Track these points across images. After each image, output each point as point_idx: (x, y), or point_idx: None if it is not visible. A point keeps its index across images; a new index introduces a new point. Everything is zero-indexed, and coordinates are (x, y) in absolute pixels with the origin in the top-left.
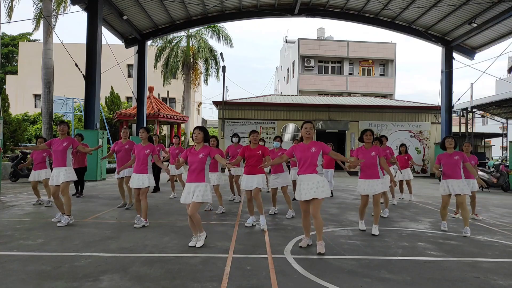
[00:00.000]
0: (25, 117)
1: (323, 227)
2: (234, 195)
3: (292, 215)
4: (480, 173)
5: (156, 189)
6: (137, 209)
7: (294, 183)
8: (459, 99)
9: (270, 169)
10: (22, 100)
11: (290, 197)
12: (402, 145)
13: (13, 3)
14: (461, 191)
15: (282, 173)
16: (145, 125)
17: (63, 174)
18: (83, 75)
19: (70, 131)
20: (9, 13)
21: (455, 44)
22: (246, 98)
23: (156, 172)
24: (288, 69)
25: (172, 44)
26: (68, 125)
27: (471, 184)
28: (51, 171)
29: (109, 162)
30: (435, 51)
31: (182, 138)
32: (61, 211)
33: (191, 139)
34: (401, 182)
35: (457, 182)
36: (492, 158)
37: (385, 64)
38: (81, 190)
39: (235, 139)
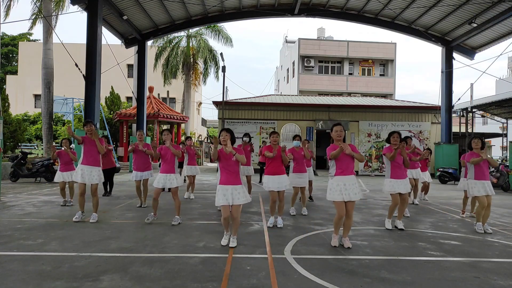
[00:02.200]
0: (25, 117)
1: (323, 227)
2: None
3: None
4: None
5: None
6: (154, 207)
7: (310, 182)
8: (459, 99)
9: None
10: (22, 100)
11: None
12: (428, 149)
13: (11, 3)
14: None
15: (304, 173)
16: (145, 125)
17: (97, 175)
18: (83, 75)
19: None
20: (7, 12)
21: (455, 44)
22: (246, 98)
23: None
24: (288, 69)
25: (172, 44)
26: (95, 124)
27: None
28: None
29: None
30: (435, 51)
31: (182, 138)
32: (82, 209)
33: (209, 140)
34: (423, 183)
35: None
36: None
37: (385, 64)
38: (110, 190)
39: (246, 139)
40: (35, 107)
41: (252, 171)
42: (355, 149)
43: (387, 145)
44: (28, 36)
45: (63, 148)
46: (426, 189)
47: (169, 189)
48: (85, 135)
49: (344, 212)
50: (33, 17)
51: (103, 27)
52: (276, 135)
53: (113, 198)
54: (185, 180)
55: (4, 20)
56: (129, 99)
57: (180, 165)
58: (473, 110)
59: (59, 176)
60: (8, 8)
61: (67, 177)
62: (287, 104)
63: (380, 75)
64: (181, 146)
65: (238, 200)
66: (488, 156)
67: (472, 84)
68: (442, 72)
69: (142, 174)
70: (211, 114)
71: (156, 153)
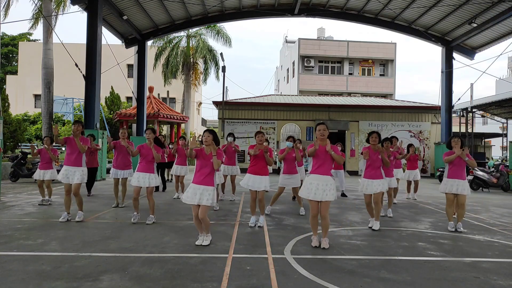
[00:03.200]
0: (25, 117)
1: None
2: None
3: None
4: (480, 173)
5: (164, 188)
6: (135, 207)
7: (302, 182)
8: (459, 99)
9: (282, 169)
10: (22, 100)
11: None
12: (411, 145)
13: (11, 2)
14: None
15: (295, 174)
16: (145, 125)
17: (79, 175)
18: (83, 75)
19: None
20: (6, 11)
21: (455, 44)
22: (246, 98)
23: (161, 172)
24: (288, 69)
25: (172, 44)
26: (83, 124)
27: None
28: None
29: (109, 162)
30: (435, 51)
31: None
32: (68, 210)
33: (191, 139)
34: (408, 182)
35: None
36: (492, 158)
37: (385, 64)
38: (89, 189)
39: (230, 138)
40: (35, 107)
41: (237, 171)
42: (337, 151)
43: (367, 144)
44: (28, 36)
45: (44, 146)
46: (415, 188)
47: (164, 188)
48: (70, 136)
49: (315, 211)
50: (33, 18)
51: (103, 27)
52: (261, 135)
53: (113, 198)
54: (171, 179)
55: (4, 20)
56: (129, 99)
57: (169, 165)
58: (473, 110)
59: (37, 174)
60: (7, 8)
61: (43, 176)
62: (287, 104)
63: (380, 75)
64: (170, 146)
65: (207, 201)
66: (467, 157)
67: (472, 84)
68: (442, 72)
69: (123, 172)
70: (211, 114)
71: (135, 151)
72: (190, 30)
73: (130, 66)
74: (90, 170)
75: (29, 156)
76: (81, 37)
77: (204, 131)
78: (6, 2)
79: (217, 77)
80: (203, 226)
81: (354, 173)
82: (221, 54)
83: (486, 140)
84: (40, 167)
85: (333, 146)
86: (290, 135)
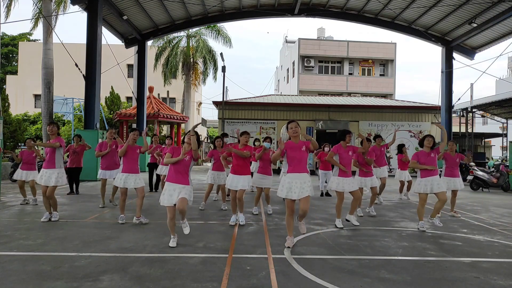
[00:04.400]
0: (25, 117)
1: (323, 227)
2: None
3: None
4: (480, 173)
5: (156, 188)
6: (121, 208)
7: None
8: (459, 99)
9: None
10: (22, 100)
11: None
12: (403, 145)
13: (12, 2)
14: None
15: (269, 175)
16: (145, 125)
17: (54, 177)
18: (83, 75)
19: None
20: (7, 12)
21: (455, 44)
22: (246, 98)
23: (151, 172)
24: (288, 69)
25: (172, 44)
26: (58, 125)
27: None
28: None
29: None
30: (435, 51)
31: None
32: (49, 210)
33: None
34: (401, 182)
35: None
36: (492, 158)
37: (385, 64)
38: (76, 188)
39: (226, 139)
40: (35, 107)
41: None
42: (308, 144)
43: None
44: (28, 36)
45: (26, 148)
46: (408, 187)
47: (156, 188)
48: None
49: (291, 210)
50: (34, 18)
51: (103, 27)
52: (248, 135)
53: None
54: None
55: (6, 20)
56: (129, 99)
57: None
58: (473, 110)
59: (18, 174)
60: (8, 9)
61: (25, 176)
62: (287, 104)
63: (380, 75)
64: (153, 144)
65: (185, 194)
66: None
67: (472, 84)
68: (442, 72)
69: (111, 173)
70: (211, 114)
71: (122, 150)
72: (190, 30)
73: (130, 66)
74: (74, 170)
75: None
76: (81, 37)
77: (186, 133)
78: (7, 3)
79: (215, 77)
80: (182, 216)
81: (353, 173)
82: (221, 54)
83: (486, 140)
84: (23, 168)
85: (305, 142)
86: (268, 136)
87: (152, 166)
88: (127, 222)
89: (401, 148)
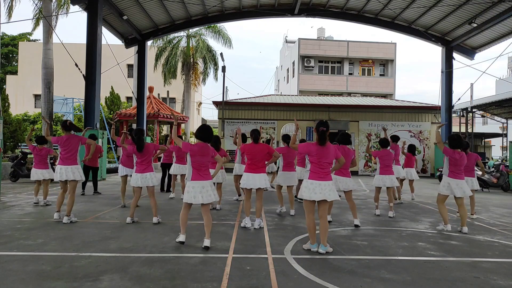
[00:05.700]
0: (25, 117)
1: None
2: (240, 195)
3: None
4: (479, 173)
5: (167, 189)
6: (133, 207)
7: (300, 182)
8: (459, 99)
9: (279, 167)
10: (22, 100)
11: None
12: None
13: (13, 3)
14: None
15: (293, 172)
16: (145, 125)
17: (78, 173)
18: (83, 75)
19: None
20: (9, 13)
21: (455, 44)
22: (246, 98)
23: (164, 172)
24: (288, 69)
25: (172, 44)
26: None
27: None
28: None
29: (109, 162)
30: (435, 51)
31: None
32: (58, 208)
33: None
34: (410, 181)
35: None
36: (492, 158)
37: (385, 64)
38: (95, 188)
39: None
40: (35, 107)
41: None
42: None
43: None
44: (28, 36)
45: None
46: (411, 187)
47: (168, 189)
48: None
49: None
50: (35, 18)
51: (103, 27)
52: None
53: (113, 198)
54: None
55: (8, 20)
56: (129, 99)
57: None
58: (473, 110)
59: (35, 174)
60: (10, 9)
61: (45, 175)
62: (287, 104)
63: (380, 75)
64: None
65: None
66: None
67: (472, 84)
68: (442, 72)
69: (128, 171)
70: (211, 114)
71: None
72: (190, 30)
73: (130, 66)
74: (90, 169)
75: (29, 156)
76: (81, 37)
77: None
78: (9, 3)
79: (216, 77)
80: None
81: (354, 173)
82: (221, 54)
83: (486, 140)
84: (36, 167)
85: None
86: (268, 139)
87: (165, 167)
88: (126, 222)
89: (413, 150)
